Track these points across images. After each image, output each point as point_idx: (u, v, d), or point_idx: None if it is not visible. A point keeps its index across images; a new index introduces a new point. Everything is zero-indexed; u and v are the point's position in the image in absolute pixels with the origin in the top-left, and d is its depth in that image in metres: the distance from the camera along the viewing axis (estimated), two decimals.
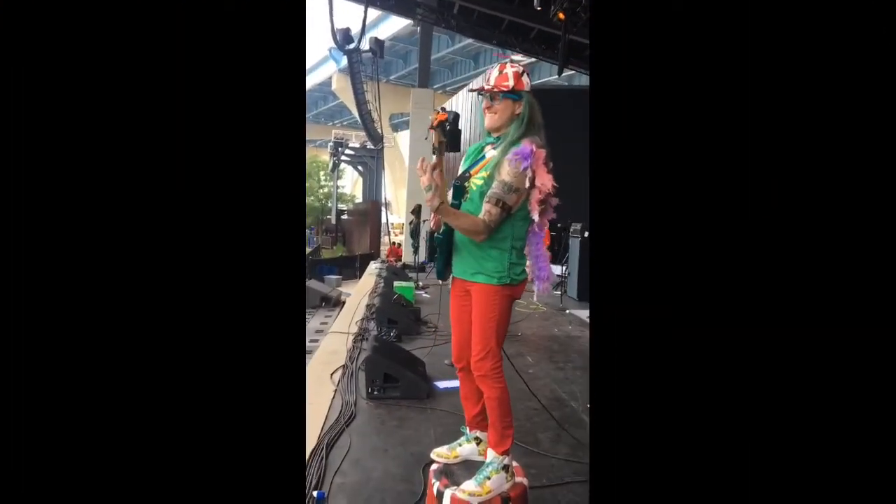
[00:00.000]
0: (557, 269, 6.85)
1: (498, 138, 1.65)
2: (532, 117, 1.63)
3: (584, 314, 5.33)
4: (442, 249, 1.69)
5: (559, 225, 7.28)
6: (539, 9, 7.10)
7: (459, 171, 1.74)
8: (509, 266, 1.63)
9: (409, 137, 10.75)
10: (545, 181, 1.57)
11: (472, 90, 1.79)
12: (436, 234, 1.69)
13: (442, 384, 3.04)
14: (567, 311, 5.58)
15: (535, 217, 1.63)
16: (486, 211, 1.56)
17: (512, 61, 1.68)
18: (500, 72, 1.64)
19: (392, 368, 2.80)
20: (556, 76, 9.14)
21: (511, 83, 1.61)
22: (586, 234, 6.30)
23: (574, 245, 6.33)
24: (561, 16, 6.77)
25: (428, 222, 1.80)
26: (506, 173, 1.55)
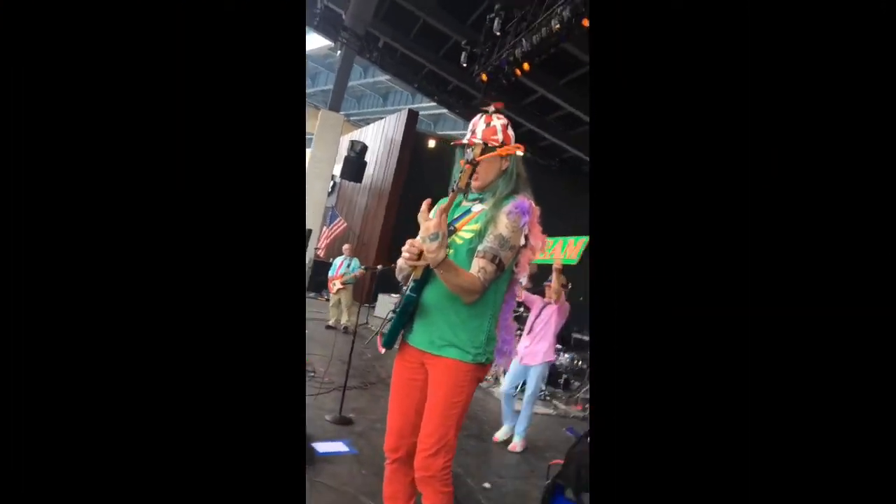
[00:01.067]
0: None
1: (481, 196, 1.45)
2: (520, 172, 1.46)
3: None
4: (406, 310, 1.38)
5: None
6: (464, 65, 7.27)
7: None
8: (487, 340, 1.39)
9: (308, 156, 10.24)
10: (539, 241, 1.40)
11: (455, 144, 1.47)
12: (406, 290, 1.39)
13: (322, 447, 2.63)
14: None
15: (524, 280, 1.44)
16: (480, 267, 1.32)
17: (496, 111, 1.49)
18: (488, 124, 1.45)
19: None
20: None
21: (500, 137, 1.44)
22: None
23: None
24: (484, 78, 6.99)
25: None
26: (503, 227, 1.35)
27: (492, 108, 1.47)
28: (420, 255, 1.28)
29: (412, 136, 10.35)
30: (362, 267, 6.53)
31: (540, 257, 2.66)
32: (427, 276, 1.37)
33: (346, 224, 9.97)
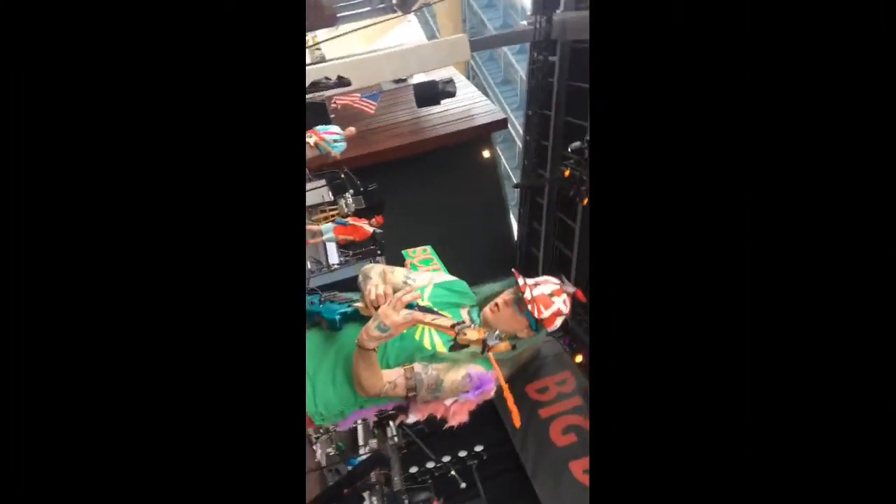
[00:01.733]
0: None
1: (486, 326, 1.28)
2: (529, 360, 1.31)
3: None
4: (320, 317, 1.30)
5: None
6: (570, 150, 7.34)
7: (426, 292, 1.35)
8: (340, 415, 1.31)
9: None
10: (457, 416, 1.28)
11: (520, 287, 1.28)
12: (338, 317, 1.27)
13: None
14: None
15: (411, 419, 1.34)
16: (393, 382, 1.21)
17: (568, 292, 1.35)
18: (550, 294, 1.27)
19: None
20: None
21: (546, 315, 1.25)
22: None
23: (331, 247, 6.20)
24: (567, 173, 7.08)
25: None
26: (451, 380, 1.22)
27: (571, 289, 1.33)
28: (375, 306, 1.17)
29: (485, 134, 10.28)
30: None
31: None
32: (362, 320, 1.25)
33: (374, 112, 9.55)
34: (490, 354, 0.99)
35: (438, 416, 1.30)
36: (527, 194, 9.77)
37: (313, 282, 4.82)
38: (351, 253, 6.12)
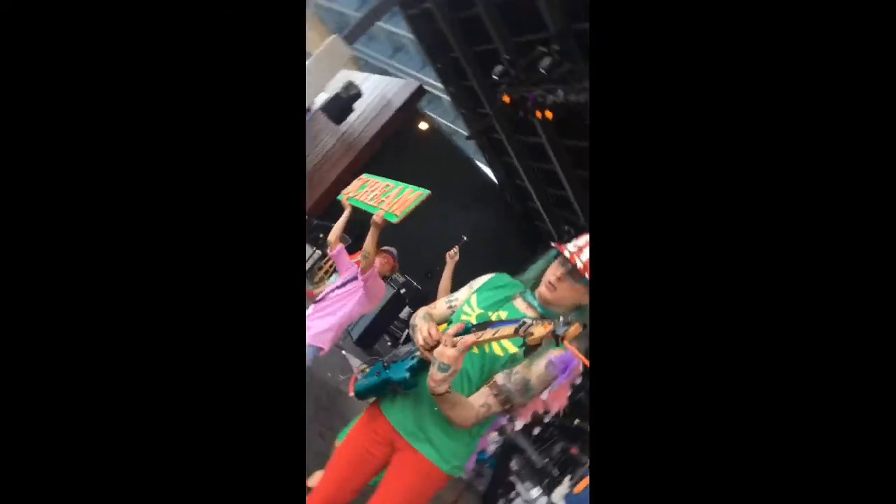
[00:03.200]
0: None
1: (545, 309, 1.25)
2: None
3: (355, 363, 5.11)
4: (395, 385, 1.23)
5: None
6: (494, 77, 7.17)
7: (471, 302, 1.31)
8: (467, 455, 1.26)
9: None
10: (557, 403, 1.25)
11: (556, 248, 1.26)
12: (409, 375, 1.21)
13: None
14: (343, 352, 5.28)
15: (518, 425, 1.34)
16: (486, 404, 1.18)
17: None
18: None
19: None
20: None
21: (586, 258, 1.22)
22: (402, 290, 6.21)
23: (386, 291, 6.16)
24: (507, 99, 6.93)
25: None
26: (536, 375, 1.19)
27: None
28: (433, 347, 1.13)
29: (409, 110, 10.04)
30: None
31: (367, 201, 2.41)
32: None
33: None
34: (566, 342, 0.96)
35: (541, 411, 1.28)
36: (484, 139, 9.61)
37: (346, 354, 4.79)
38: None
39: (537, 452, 4.90)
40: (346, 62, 11.37)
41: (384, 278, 2.43)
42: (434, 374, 1.07)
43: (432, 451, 1.23)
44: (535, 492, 3.96)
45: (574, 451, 4.80)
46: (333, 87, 10.50)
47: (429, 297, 7.22)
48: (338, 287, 2.41)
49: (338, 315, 2.33)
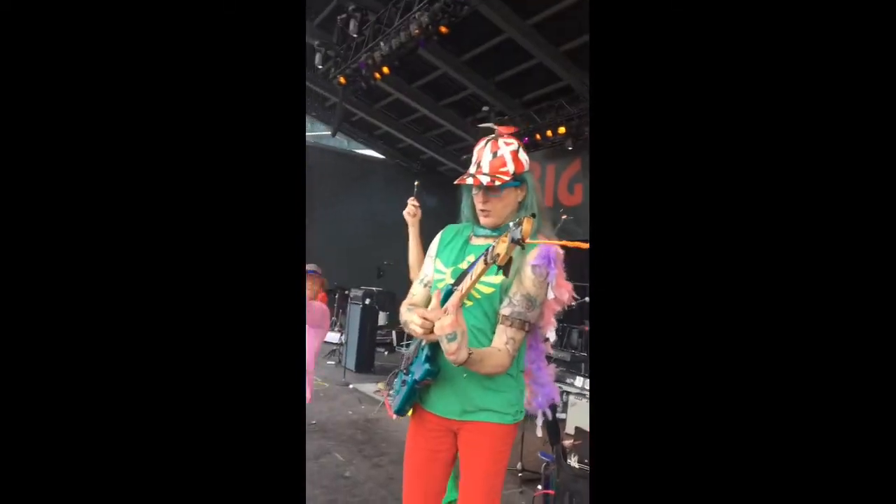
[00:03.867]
0: (335, 337, 6.48)
1: (496, 232, 1.26)
2: (539, 203, 1.29)
3: (368, 388, 5.09)
4: (424, 381, 1.22)
5: (338, 293, 6.98)
6: (319, 67, 6.98)
7: (438, 267, 1.31)
8: (520, 395, 1.27)
9: None
10: (565, 291, 1.24)
11: (459, 183, 1.28)
12: (429, 365, 1.20)
13: None
14: (351, 387, 5.25)
15: (552, 336, 1.31)
16: (508, 338, 1.18)
17: (502, 134, 1.29)
18: (494, 154, 1.23)
19: None
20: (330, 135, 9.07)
21: (511, 168, 1.23)
22: (367, 300, 6.16)
23: (354, 312, 6.10)
24: (342, 80, 6.78)
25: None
26: (530, 284, 1.20)
27: (500, 133, 1.27)
28: (433, 327, 1.13)
29: None
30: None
31: None
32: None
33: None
34: (527, 240, 0.98)
35: (558, 308, 1.30)
36: (346, 127, 9.42)
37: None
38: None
39: (562, 350, 5.13)
40: None
41: (331, 294, 2.43)
42: (447, 348, 1.07)
43: (490, 414, 1.23)
44: (580, 380, 4.17)
45: (586, 328, 5.05)
46: None
47: (394, 291, 7.19)
48: None
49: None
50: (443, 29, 5.35)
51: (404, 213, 1.79)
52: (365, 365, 5.96)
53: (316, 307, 2.28)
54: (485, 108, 6.88)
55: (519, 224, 0.99)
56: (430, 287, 1.35)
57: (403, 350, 1.33)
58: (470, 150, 1.37)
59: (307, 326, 2.24)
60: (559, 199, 6.54)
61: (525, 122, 6.58)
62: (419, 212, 1.80)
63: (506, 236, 1.02)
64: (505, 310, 1.21)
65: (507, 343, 1.19)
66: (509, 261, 1.05)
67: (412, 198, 1.82)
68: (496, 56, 6.21)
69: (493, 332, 1.23)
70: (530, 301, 1.21)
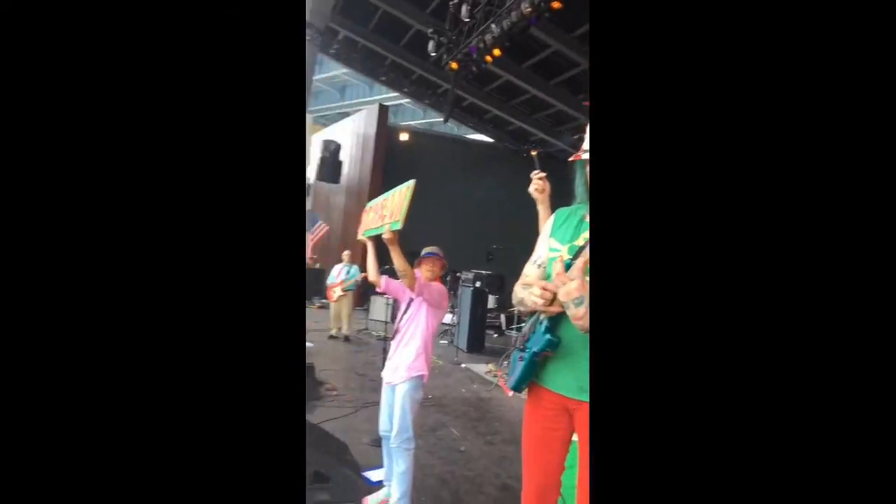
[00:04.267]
0: (448, 318, 6.73)
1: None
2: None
3: (479, 369, 5.23)
4: (544, 353, 1.25)
5: (450, 275, 7.22)
6: (432, 54, 7.13)
7: (553, 245, 1.34)
8: None
9: None
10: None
11: (573, 160, 1.33)
12: (550, 335, 1.23)
13: (374, 475, 2.59)
14: (463, 366, 5.43)
15: None
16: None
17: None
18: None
19: (323, 462, 2.28)
20: (442, 120, 9.27)
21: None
22: (478, 283, 6.30)
23: (465, 294, 6.28)
24: (454, 66, 6.87)
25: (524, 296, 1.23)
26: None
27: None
28: (553, 298, 1.16)
29: (385, 130, 10.16)
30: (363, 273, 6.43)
31: (375, 225, 2.31)
32: (561, 319, 1.23)
33: (327, 227, 9.74)
34: None
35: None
36: (458, 112, 9.57)
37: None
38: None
39: None
40: (310, 128, 11.67)
41: (443, 277, 2.48)
42: (575, 312, 1.07)
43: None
44: None
45: None
46: (313, 155, 10.77)
47: (503, 274, 7.25)
48: (404, 313, 2.44)
49: (417, 337, 2.32)
50: (555, 4, 5.19)
51: (531, 189, 1.69)
52: (476, 346, 6.11)
53: (434, 288, 2.32)
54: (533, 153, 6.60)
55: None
56: (546, 268, 1.35)
57: (514, 333, 1.30)
58: (583, 130, 1.34)
59: (427, 306, 2.35)
60: None
61: None
62: (547, 185, 1.68)
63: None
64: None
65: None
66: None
67: (535, 171, 1.69)
68: None
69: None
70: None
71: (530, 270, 1.40)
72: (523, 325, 1.36)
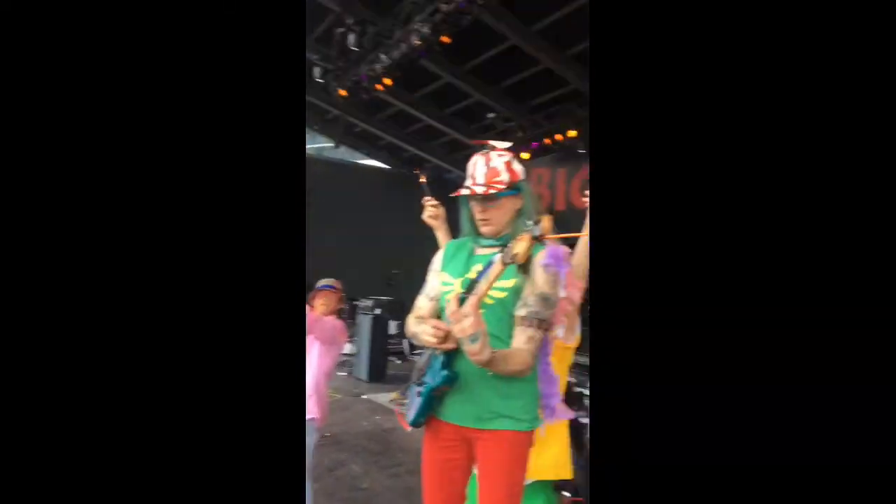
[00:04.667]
0: (347, 348, 6.48)
1: (500, 241, 1.27)
2: (537, 208, 1.31)
3: (382, 398, 5.08)
4: (441, 389, 1.22)
5: (347, 304, 6.99)
6: (319, 81, 7.01)
7: (445, 279, 1.33)
8: (535, 402, 1.26)
9: None
10: (577, 291, 1.26)
11: (455, 196, 1.32)
12: (447, 371, 1.20)
13: None
14: (364, 397, 5.24)
15: (561, 334, 1.31)
16: (528, 338, 1.19)
17: (493, 147, 1.34)
18: (488, 166, 1.28)
19: None
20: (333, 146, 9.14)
21: (506, 177, 1.28)
22: (377, 311, 6.16)
23: (364, 322, 6.10)
24: (343, 93, 6.82)
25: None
26: (543, 283, 1.20)
27: (493, 147, 1.32)
28: (446, 336, 1.15)
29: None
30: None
31: None
32: (457, 353, 1.21)
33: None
34: (545, 238, 0.99)
35: (570, 307, 1.32)
36: (349, 139, 9.51)
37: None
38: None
39: (583, 355, 5.10)
40: None
41: (338, 311, 2.35)
42: (470, 349, 1.07)
43: (505, 421, 1.22)
44: None
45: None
46: None
47: (403, 300, 7.19)
48: None
49: (309, 378, 2.14)
50: (445, 39, 5.39)
51: (424, 217, 1.68)
52: (377, 374, 5.95)
53: (328, 323, 2.18)
54: (490, 115, 6.89)
55: (538, 222, 0.99)
56: (439, 301, 1.36)
57: (416, 358, 1.29)
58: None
59: (320, 344, 2.19)
60: (571, 201, 6.52)
61: (532, 127, 6.59)
62: (441, 210, 1.67)
63: (524, 236, 1.02)
64: (521, 311, 1.22)
65: (526, 342, 1.19)
66: (527, 261, 1.05)
67: (426, 198, 1.68)
68: (500, 63, 6.23)
69: (509, 337, 1.23)
70: (545, 300, 1.21)
71: (423, 304, 1.40)
72: (422, 353, 1.34)
